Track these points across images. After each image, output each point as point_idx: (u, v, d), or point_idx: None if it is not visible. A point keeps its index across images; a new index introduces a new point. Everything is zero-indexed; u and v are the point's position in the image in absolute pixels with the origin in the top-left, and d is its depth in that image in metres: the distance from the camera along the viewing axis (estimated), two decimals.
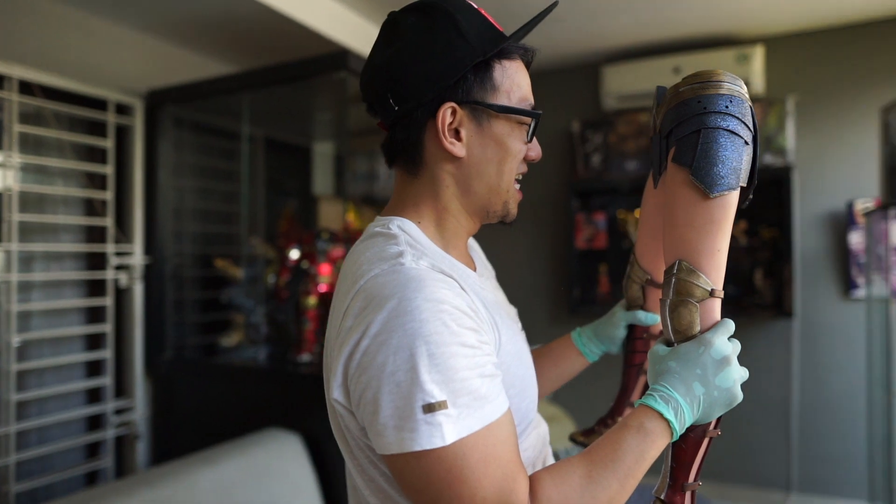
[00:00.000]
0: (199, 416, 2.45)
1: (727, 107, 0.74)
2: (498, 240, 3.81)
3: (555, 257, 3.67)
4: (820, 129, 3.07)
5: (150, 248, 2.61)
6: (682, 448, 0.75)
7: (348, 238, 2.50)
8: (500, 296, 0.94)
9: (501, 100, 0.79)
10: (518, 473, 0.67)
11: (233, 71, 2.90)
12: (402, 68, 0.77)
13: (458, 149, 0.79)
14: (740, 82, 0.77)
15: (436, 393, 0.64)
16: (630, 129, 3.42)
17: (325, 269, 2.42)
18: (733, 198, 0.75)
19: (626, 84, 3.32)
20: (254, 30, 2.59)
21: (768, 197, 3.07)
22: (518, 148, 0.81)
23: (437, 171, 0.81)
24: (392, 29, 0.80)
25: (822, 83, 3.06)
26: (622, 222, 3.45)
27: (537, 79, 4.00)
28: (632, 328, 1.03)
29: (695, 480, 0.76)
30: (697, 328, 0.76)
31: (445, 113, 0.78)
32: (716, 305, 0.76)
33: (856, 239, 2.96)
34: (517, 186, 0.84)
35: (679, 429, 0.72)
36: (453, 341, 0.66)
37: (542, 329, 3.63)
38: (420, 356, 0.65)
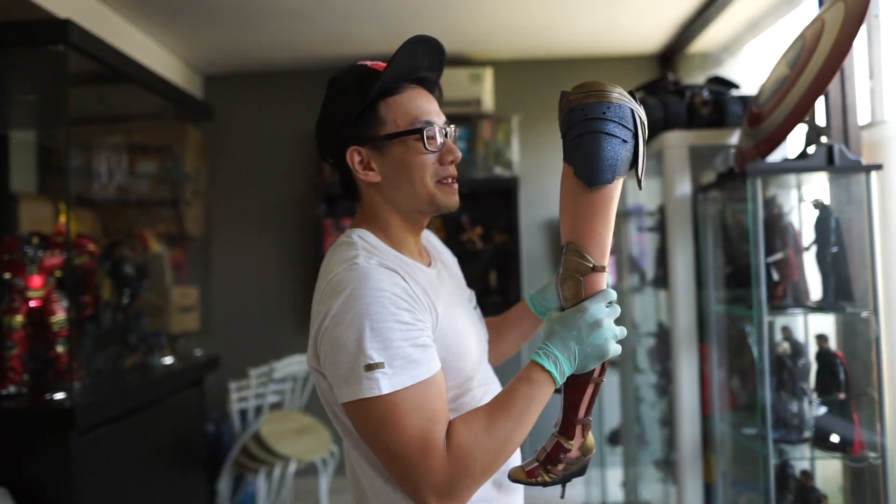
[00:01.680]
0: None
1: (604, 112, 0.88)
2: (245, 246, 3.58)
3: (303, 263, 3.58)
4: (539, 147, 3.51)
5: None
6: (571, 392, 0.93)
7: (67, 244, 2.10)
8: (451, 282, 1.11)
9: (389, 129, 0.99)
10: (440, 420, 0.87)
11: None
12: (319, 131, 1.04)
13: (372, 177, 1.01)
14: (619, 89, 0.90)
15: (375, 356, 0.86)
16: None
17: (36, 282, 1.99)
18: (611, 190, 0.89)
19: None
20: None
21: (499, 205, 3.40)
22: (420, 159, 0.99)
23: (370, 196, 1.03)
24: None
25: (541, 106, 3.51)
26: None
27: (280, 80, 3.82)
28: None
29: (585, 416, 0.93)
30: (582, 296, 0.91)
31: (352, 155, 1.00)
32: (598, 278, 0.91)
33: None
34: (448, 181, 1.01)
35: (559, 377, 0.89)
36: (391, 319, 0.87)
37: (290, 335, 3.50)
38: (364, 330, 0.86)
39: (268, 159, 3.61)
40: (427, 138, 0.98)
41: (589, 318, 0.89)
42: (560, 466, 0.93)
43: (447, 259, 1.20)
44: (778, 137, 1.67)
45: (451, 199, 1.02)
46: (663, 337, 2.38)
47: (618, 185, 0.90)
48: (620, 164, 0.89)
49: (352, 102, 0.99)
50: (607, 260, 0.92)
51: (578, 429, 0.93)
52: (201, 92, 3.62)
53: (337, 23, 2.96)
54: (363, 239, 1.00)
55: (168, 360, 2.49)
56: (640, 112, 0.91)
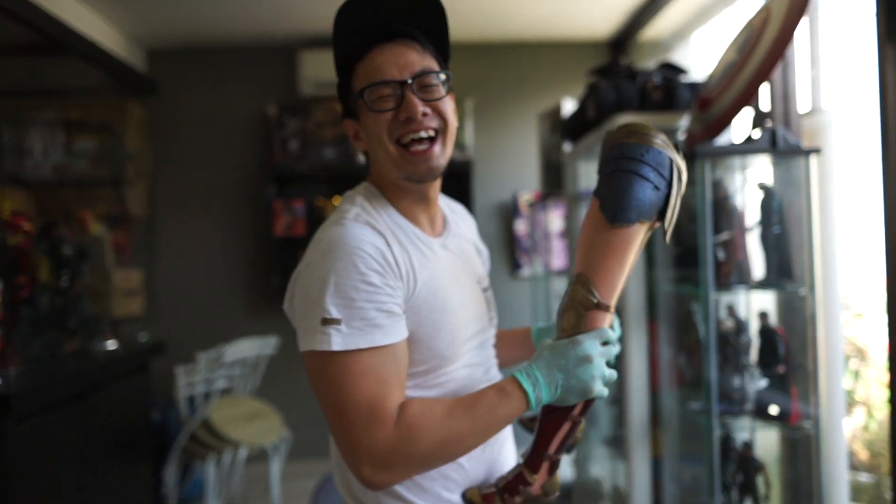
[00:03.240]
0: None
1: (643, 155, 0.89)
2: (193, 227, 3.48)
3: (253, 245, 3.50)
4: (493, 130, 3.51)
5: None
6: (545, 423, 0.91)
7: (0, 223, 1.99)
8: (459, 258, 1.04)
9: (352, 97, 0.98)
10: (393, 390, 0.86)
11: None
12: None
13: (361, 146, 1.02)
14: (663, 136, 0.90)
15: (333, 312, 0.85)
16: (328, 117, 3.43)
17: None
18: (632, 231, 0.89)
19: (324, 71, 3.32)
20: None
21: (454, 188, 3.40)
22: (374, 120, 0.95)
23: (372, 161, 1.02)
24: None
25: (496, 90, 3.51)
26: (321, 210, 3.46)
27: (229, 55, 3.72)
28: None
29: (555, 453, 0.91)
30: (580, 330, 0.89)
31: (347, 127, 1.03)
32: (600, 316, 0.90)
33: (520, 226, 3.48)
34: (409, 143, 0.94)
35: (534, 400, 0.87)
36: (358, 278, 0.86)
37: (240, 318, 3.43)
38: (328, 283, 0.86)
39: (217, 138, 3.50)
40: (369, 100, 0.94)
41: (581, 350, 0.87)
42: (517, 499, 0.91)
43: (464, 236, 1.13)
44: (725, 121, 1.71)
45: (415, 166, 0.95)
46: None
47: (640, 229, 0.89)
48: (648, 208, 0.88)
49: (338, 74, 1.01)
50: (614, 301, 0.91)
51: (545, 465, 0.91)
52: (145, 66, 3.48)
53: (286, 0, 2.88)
54: (367, 191, 1.01)
55: (111, 344, 2.40)
56: (680, 164, 0.91)
